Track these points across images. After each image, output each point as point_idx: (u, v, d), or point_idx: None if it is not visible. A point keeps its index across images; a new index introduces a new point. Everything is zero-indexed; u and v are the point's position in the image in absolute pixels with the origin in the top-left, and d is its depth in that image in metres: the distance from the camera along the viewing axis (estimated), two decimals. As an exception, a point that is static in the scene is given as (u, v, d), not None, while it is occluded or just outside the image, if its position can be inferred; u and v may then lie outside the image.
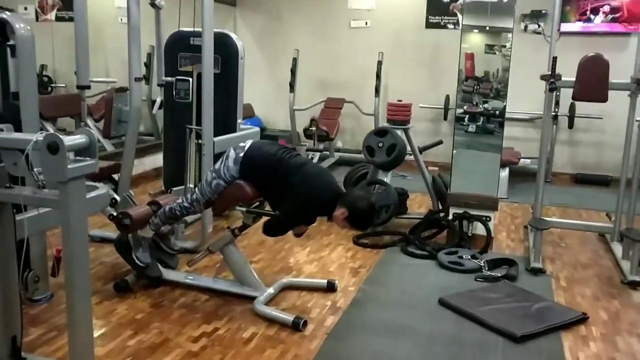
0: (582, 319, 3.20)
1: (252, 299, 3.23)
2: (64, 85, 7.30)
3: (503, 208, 5.66)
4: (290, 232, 3.27)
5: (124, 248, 3.40)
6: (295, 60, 7.12)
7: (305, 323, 2.99)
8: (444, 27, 7.26)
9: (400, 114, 4.76)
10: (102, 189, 2.93)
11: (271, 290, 3.32)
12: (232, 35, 4.79)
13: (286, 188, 3.03)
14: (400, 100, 4.85)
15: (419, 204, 5.60)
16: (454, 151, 4.50)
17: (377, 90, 6.99)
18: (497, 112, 4.58)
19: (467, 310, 3.21)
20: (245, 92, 7.95)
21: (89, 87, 3.64)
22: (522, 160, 6.58)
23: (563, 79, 4.11)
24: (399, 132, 4.71)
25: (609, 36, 6.68)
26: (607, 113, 6.44)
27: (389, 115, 4.82)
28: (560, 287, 3.70)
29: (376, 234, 4.56)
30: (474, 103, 4.88)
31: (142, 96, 6.68)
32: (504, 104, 4.56)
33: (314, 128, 6.37)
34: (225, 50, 4.69)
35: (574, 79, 4.09)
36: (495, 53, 4.66)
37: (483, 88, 4.96)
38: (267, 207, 3.34)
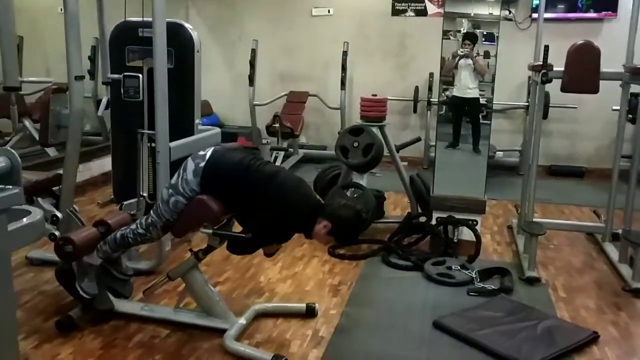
0: (594, 339, 2.87)
1: (221, 332, 2.78)
2: (51, 80, 6.61)
3: (482, 206, 5.34)
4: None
5: (66, 277, 2.89)
6: (254, 51, 6.62)
7: (286, 362, 2.56)
8: (411, 14, 6.88)
9: (375, 110, 4.35)
10: (35, 214, 2.41)
11: (242, 320, 2.86)
12: (187, 25, 4.26)
13: (257, 201, 2.58)
14: (375, 95, 4.43)
15: (394, 205, 5.22)
16: (436, 148, 4.13)
17: (342, 83, 6.57)
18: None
19: (466, 334, 2.83)
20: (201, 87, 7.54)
21: (19, 89, 3.08)
22: (496, 153, 6.30)
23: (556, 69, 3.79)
24: (375, 130, 4.30)
25: (582, 22, 6.43)
26: (581, 102, 6.19)
27: (362, 111, 4.39)
28: (560, 299, 3.37)
29: (353, 243, 4.15)
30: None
31: (87, 94, 6.14)
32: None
33: (277, 124, 5.90)
34: (179, 42, 4.15)
35: (562, 69, 3.79)
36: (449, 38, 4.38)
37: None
38: (235, 227, 2.88)
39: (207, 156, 2.65)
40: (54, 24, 5.93)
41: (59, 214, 3.53)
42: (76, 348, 2.68)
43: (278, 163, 6.04)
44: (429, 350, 2.78)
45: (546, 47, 3.66)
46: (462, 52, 4.69)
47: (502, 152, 6.56)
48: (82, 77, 3.49)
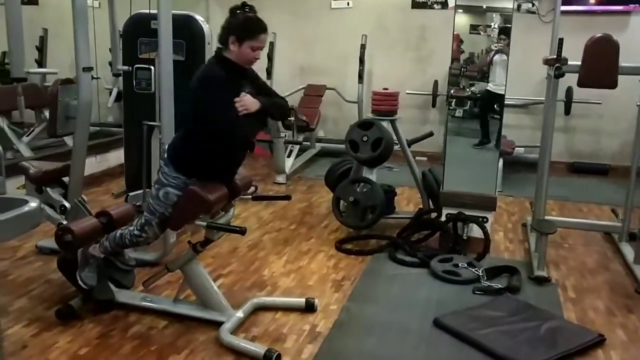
0: (599, 341, 2.78)
1: (218, 324, 2.77)
2: (56, 71, 6.72)
3: (498, 203, 5.21)
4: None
5: (67, 266, 2.92)
6: (272, 44, 6.61)
7: (278, 357, 2.54)
8: (431, 7, 6.78)
9: (386, 104, 4.29)
10: (32, 202, 2.44)
11: (240, 313, 2.86)
12: (198, 17, 4.26)
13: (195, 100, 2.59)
14: (387, 89, 4.38)
15: (408, 200, 5.16)
16: (447, 142, 4.05)
17: (360, 76, 6.51)
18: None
19: (466, 333, 2.77)
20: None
21: (25, 80, 3.12)
22: (516, 149, 6.17)
23: (570, 62, 3.69)
24: (385, 124, 4.24)
25: (607, 15, 6.24)
26: (606, 97, 6.01)
27: (373, 105, 4.34)
28: (568, 299, 3.28)
29: (361, 238, 4.11)
30: (461, 87, 4.48)
31: (109, 85, 6.19)
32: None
33: (292, 118, 5.87)
34: (190, 34, 4.17)
35: (579, 62, 3.68)
36: (480, 33, 4.28)
37: (470, 70, 4.56)
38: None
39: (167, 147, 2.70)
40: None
41: (67, 204, 3.56)
42: (74, 337, 2.70)
43: (293, 156, 6.02)
44: (427, 349, 2.73)
45: (560, 40, 3.56)
46: (496, 47, 4.57)
47: (522, 148, 6.42)
48: (90, 69, 3.51)
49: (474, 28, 4.31)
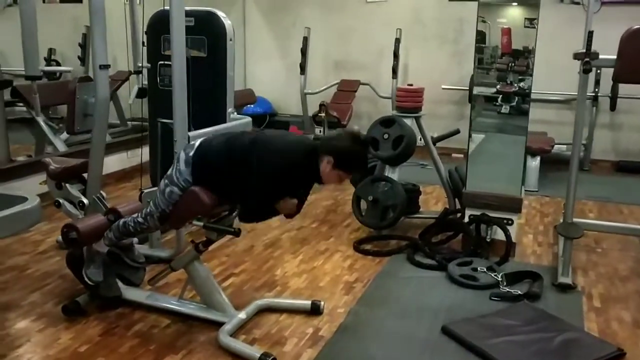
0: (617, 356, 2.60)
1: (219, 325, 2.74)
2: (70, 69, 6.93)
3: (532, 203, 5.04)
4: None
5: (74, 263, 2.95)
6: (306, 39, 6.55)
7: (274, 361, 2.49)
8: (470, -1, 6.55)
9: (410, 100, 4.16)
10: (32, 201, 2.48)
11: (242, 315, 2.82)
12: (220, 13, 4.24)
13: (247, 167, 2.48)
14: (411, 85, 4.25)
15: (437, 199, 5.02)
16: (469, 141, 3.90)
17: (394, 71, 6.37)
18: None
19: (474, 342, 2.64)
20: (254, 74, 7.56)
21: (40, 78, 3.17)
22: (556, 146, 5.90)
23: (603, 56, 3.47)
24: (409, 121, 4.12)
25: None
26: (655, 93, 5.67)
27: (397, 101, 4.22)
28: (592, 309, 3.09)
29: (381, 238, 4.01)
30: (508, 82, 4.27)
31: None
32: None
33: (323, 114, 5.81)
34: (212, 30, 4.16)
35: (614, 56, 3.46)
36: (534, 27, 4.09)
37: (519, 65, 4.36)
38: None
39: (197, 145, 2.62)
40: (121, 14, 6.12)
41: (85, 200, 3.61)
42: (77, 334, 2.73)
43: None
44: (432, 357, 2.62)
45: (590, 33, 3.36)
46: None
47: (564, 146, 6.14)
48: (107, 66, 3.54)
49: (530, 22, 4.13)
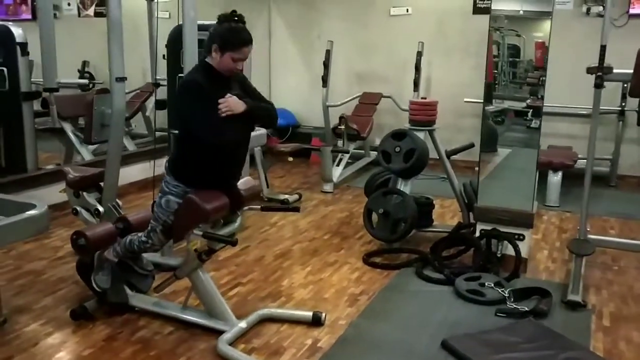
0: (620, 377, 2.55)
1: (221, 333, 2.79)
2: (102, 82, 7.14)
3: (552, 219, 4.96)
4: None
5: (84, 269, 3.04)
6: (328, 52, 6.60)
7: (268, 371, 2.51)
8: (494, 12, 6.51)
9: (423, 114, 4.16)
10: (40, 207, 2.57)
11: (243, 324, 2.85)
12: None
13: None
14: (425, 98, 4.26)
15: (454, 213, 4.97)
16: (480, 155, 3.88)
17: (415, 84, 6.37)
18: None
19: (471, 358, 2.62)
20: (278, 86, 7.66)
21: (57, 90, 3.29)
22: (580, 161, 5.77)
23: (618, 70, 3.44)
24: (422, 134, 4.12)
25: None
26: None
27: (410, 115, 4.23)
28: (601, 328, 3.03)
29: (392, 251, 4.01)
30: (539, 97, 4.24)
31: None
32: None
33: (342, 126, 5.83)
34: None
35: (630, 71, 3.41)
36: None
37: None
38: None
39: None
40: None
41: (100, 208, 3.72)
42: (82, 338, 2.81)
43: (342, 165, 5.96)
44: (429, 373, 2.61)
45: (603, 47, 3.32)
46: None
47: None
48: (124, 79, 3.65)
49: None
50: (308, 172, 6.52)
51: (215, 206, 2.63)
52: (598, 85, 3.30)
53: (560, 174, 5.35)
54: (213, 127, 2.52)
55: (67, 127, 5.63)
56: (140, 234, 2.89)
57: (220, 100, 2.52)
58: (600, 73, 3.29)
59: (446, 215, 4.93)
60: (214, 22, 2.64)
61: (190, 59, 3.47)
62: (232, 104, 2.53)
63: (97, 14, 7.84)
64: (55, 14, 6.76)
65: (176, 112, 2.63)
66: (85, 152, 5.62)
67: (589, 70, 3.46)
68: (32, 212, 2.44)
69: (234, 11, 2.59)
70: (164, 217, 2.72)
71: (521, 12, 3.85)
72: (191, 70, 2.74)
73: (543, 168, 5.51)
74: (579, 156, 5.79)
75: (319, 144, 6.91)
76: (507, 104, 4.96)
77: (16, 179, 4.73)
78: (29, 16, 7.53)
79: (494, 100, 5.01)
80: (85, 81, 5.95)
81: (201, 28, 4.20)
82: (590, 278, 3.64)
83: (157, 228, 2.77)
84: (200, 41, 4.15)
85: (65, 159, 5.71)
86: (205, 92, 2.53)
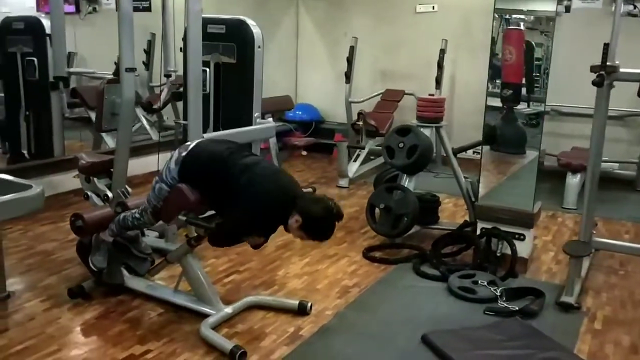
0: (598, 380, 2.51)
1: (207, 316, 2.87)
2: (137, 74, 7.33)
3: (566, 221, 4.86)
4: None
5: (82, 250, 3.18)
6: (352, 48, 6.63)
7: (244, 354, 2.57)
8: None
9: (431, 110, 4.15)
10: (36, 188, 2.70)
11: (229, 309, 2.93)
12: (249, 21, 4.41)
13: (233, 190, 2.61)
14: (432, 95, 4.24)
15: (465, 212, 4.92)
16: (482, 154, 3.85)
17: (437, 82, 6.32)
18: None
19: (448, 354, 2.62)
20: (305, 82, 7.73)
21: (66, 79, 3.44)
22: (603, 164, 5.62)
23: (625, 70, 3.37)
24: (429, 131, 4.11)
25: None
26: None
27: (418, 111, 4.22)
28: (590, 330, 2.97)
29: (393, 247, 4.02)
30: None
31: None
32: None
33: (361, 122, 5.85)
34: (241, 38, 4.33)
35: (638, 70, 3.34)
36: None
37: None
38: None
39: (191, 146, 2.76)
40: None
41: (109, 194, 3.87)
42: (75, 316, 2.94)
43: (359, 161, 5.97)
44: (404, 365, 2.62)
45: (606, 45, 3.24)
46: None
47: (616, 164, 5.87)
48: (133, 69, 3.78)
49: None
50: (328, 167, 6.57)
51: (199, 198, 2.70)
52: (597, 84, 3.21)
53: (578, 176, 5.24)
54: (234, 235, 2.77)
55: (94, 116, 5.86)
56: (134, 211, 2.99)
57: (252, 240, 2.80)
58: (602, 72, 3.21)
59: (458, 214, 4.90)
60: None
61: (194, 52, 3.55)
62: (257, 243, 2.85)
63: (134, 9, 8.06)
64: (94, 8, 7.02)
65: (237, 204, 2.63)
66: (110, 140, 5.82)
67: (592, 69, 3.38)
68: (28, 192, 2.57)
69: (335, 209, 2.64)
70: (154, 201, 2.82)
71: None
72: (281, 198, 2.63)
73: (562, 169, 5.42)
74: (603, 159, 5.66)
75: (341, 139, 6.95)
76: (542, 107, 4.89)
77: (41, 164, 4.97)
78: (72, 9, 7.81)
79: (530, 103, 4.95)
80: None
81: (217, 22, 4.32)
82: (593, 281, 3.57)
83: (148, 210, 2.87)
84: (213, 35, 4.26)
85: (93, 146, 5.93)
86: (267, 224, 2.71)
